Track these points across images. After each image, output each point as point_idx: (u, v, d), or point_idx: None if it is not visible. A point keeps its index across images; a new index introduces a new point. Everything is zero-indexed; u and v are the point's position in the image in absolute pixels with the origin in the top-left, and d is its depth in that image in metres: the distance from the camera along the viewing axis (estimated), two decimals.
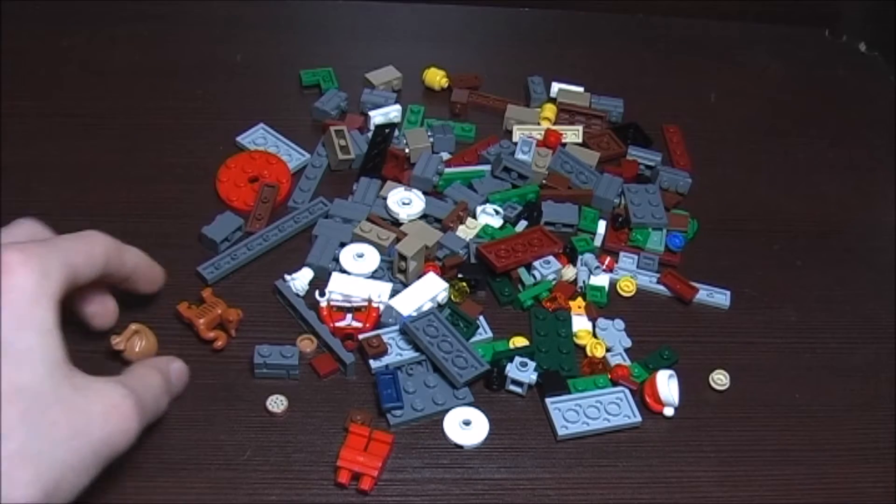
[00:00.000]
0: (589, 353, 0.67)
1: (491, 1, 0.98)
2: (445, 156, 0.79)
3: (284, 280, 0.68)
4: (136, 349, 0.60)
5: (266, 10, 0.94)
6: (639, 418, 0.63)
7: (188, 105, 0.82)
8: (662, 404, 0.63)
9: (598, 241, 0.75)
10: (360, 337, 0.64)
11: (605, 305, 0.70)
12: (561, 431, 0.61)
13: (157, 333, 0.61)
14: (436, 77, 0.87)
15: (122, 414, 0.48)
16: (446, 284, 0.68)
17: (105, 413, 0.47)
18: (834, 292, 0.74)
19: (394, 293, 0.67)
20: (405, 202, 0.73)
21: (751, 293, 0.73)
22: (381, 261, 0.70)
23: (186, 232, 0.71)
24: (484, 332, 0.67)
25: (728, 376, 0.66)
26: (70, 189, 0.73)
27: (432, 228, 0.72)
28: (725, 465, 0.62)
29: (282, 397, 0.61)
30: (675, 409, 0.64)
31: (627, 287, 0.71)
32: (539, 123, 0.84)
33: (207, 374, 0.62)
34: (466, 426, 0.61)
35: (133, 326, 0.60)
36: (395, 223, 0.73)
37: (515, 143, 0.80)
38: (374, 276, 0.69)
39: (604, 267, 0.72)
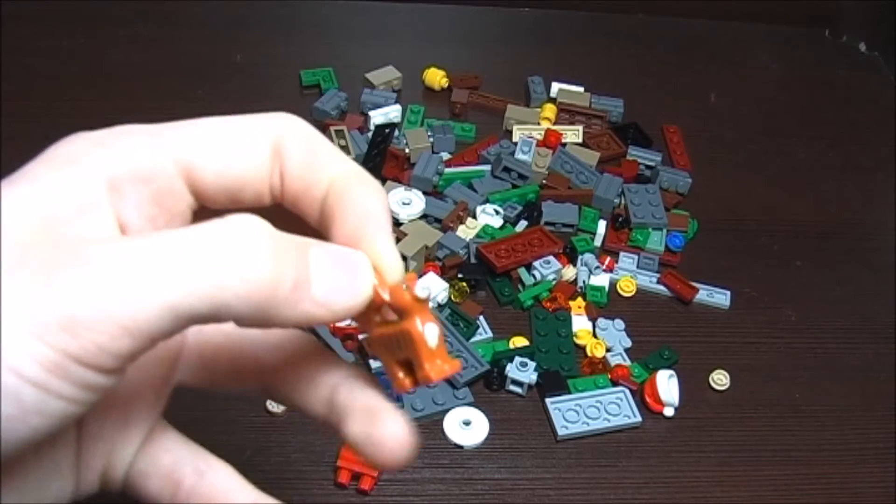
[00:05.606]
0: (589, 353, 0.67)
1: (491, 1, 0.98)
2: (445, 156, 0.79)
3: None
4: None
5: (266, 10, 0.94)
6: (639, 418, 0.63)
7: (188, 105, 0.82)
8: (662, 404, 0.63)
9: (598, 241, 0.75)
10: (360, 337, 0.64)
11: (605, 305, 0.70)
12: (561, 431, 0.61)
13: None
14: (436, 77, 0.86)
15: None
16: (446, 284, 0.68)
17: None
18: (834, 292, 0.74)
19: None
20: (405, 202, 0.73)
21: (751, 293, 0.73)
22: None
23: None
24: (484, 332, 0.67)
25: (728, 376, 0.66)
26: None
27: (432, 228, 0.72)
28: (725, 465, 0.62)
29: None
30: (675, 409, 0.64)
31: (627, 287, 0.71)
32: (539, 123, 0.84)
33: None
34: (466, 426, 0.61)
35: None
36: (395, 223, 0.73)
37: (515, 143, 0.80)
38: None
39: (604, 267, 0.72)
